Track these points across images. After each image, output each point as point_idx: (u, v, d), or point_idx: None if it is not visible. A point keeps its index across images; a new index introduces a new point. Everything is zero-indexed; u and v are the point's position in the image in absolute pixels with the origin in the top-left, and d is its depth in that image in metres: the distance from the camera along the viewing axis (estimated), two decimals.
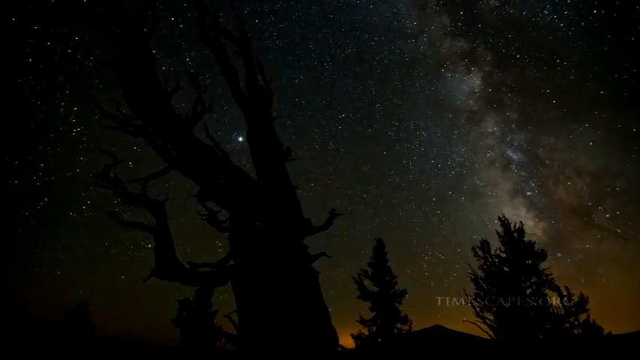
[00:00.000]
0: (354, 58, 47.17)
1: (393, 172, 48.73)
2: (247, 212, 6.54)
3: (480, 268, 15.46)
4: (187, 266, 6.21)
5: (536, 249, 14.70)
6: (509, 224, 15.75)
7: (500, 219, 16.02)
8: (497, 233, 15.90)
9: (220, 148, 6.88)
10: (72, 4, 5.20)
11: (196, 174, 6.19)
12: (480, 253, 15.72)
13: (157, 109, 5.61)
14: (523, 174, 44.87)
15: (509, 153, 43.99)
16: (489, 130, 45.12)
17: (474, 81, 45.63)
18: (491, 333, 14.22)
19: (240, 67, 6.52)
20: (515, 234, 15.39)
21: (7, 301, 23.78)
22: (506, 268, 15.01)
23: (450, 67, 46.75)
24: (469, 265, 15.72)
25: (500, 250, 15.53)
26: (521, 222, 15.65)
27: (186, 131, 5.96)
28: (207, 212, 7.59)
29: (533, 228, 40.58)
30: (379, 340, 18.10)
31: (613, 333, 16.10)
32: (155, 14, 5.65)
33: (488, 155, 45.59)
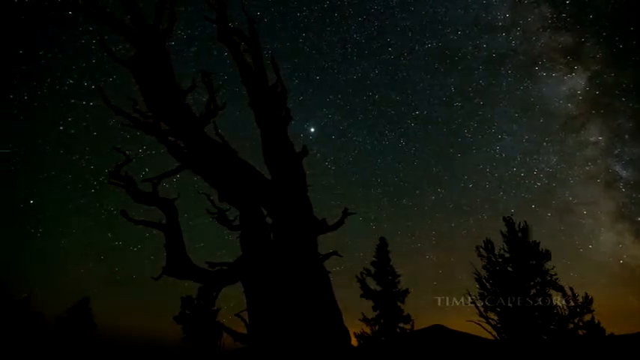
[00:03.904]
0: (434, 53, 43.69)
1: (466, 177, 46.28)
2: (258, 210, 6.53)
3: (483, 268, 15.45)
4: (206, 266, 6.20)
5: (540, 249, 14.70)
6: (513, 223, 15.73)
7: (504, 219, 16.01)
8: (501, 233, 15.88)
9: (229, 146, 6.87)
10: (90, 3, 5.18)
11: (208, 172, 6.18)
12: (484, 252, 15.70)
13: (172, 107, 5.60)
14: (634, 195, 37.21)
15: (617, 168, 36.92)
16: (592, 139, 38.50)
17: (577, 81, 38.47)
18: (494, 333, 14.22)
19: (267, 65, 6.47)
20: (519, 233, 15.37)
21: (9, 297, 23.77)
22: (510, 268, 15.00)
23: (547, 65, 40.49)
24: (472, 264, 15.71)
25: (504, 249, 15.51)
26: (525, 222, 15.62)
27: (199, 129, 5.95)
28: (216, 211, 7.59)
29: None
30: (382, 339, 18.13)
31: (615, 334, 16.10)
32: (171, 14, 5.66)
33: (588, 168, 39.29)
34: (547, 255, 14.54)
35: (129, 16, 5.38)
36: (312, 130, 39.89)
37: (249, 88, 6.56)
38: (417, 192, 47.56)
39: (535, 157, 42.09)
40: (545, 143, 42.10)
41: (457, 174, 46.94)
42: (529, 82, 41.84)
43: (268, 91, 6.78)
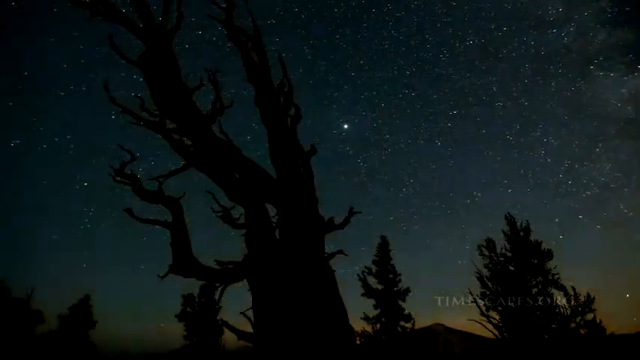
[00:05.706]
0: (476, 51, 40.61)
1: (506, 181, 42.63)
2: (263, 208, 6.52)
3: (485, 267, 15.42)
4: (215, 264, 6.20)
5: (542, 248, 14.69)
6: (515, 222, 15.70)
7: (506, 217, 15.97)
8: (503, 232, 15.85)
9: (233, 144, 6.85)
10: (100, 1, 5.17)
11: (214, 170, 6.16)
12: (486, 251, 15.67)
13: (179, 105, 5.58)
14: None
15: None
16: None
17: (639, 82, 33.74)
18: (496, 332, 14.21)
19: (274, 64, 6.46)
20: (521, 232, 15.36)
21: (9, 295, 23.71)
22: (511, 267, 14.99)
23: (604, 64, 36.77)
24: (473, 262, 15.66)
25: (506, 249, 15.48)
26: (527, 221, 15.60)
27: (206, 127, 5.93)
28: (221, 209, 7.58)
29: None
30: (383, 337, 18.15)
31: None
32: (179, 13, 5.65)
33: None
34: (549, 254, 14.54)
35: (137, 14, 5.37)
36: (346, 126, 39.33)
37: (255, 86, 6.55)
38: (451, 194, 45.57)
39: (585, 163, 38.31)
40: (598, 149, 38.16)
41: (496, 178, 44.26)
42: (582, 82, 37.75)
43: (274, 89, 6.76)
